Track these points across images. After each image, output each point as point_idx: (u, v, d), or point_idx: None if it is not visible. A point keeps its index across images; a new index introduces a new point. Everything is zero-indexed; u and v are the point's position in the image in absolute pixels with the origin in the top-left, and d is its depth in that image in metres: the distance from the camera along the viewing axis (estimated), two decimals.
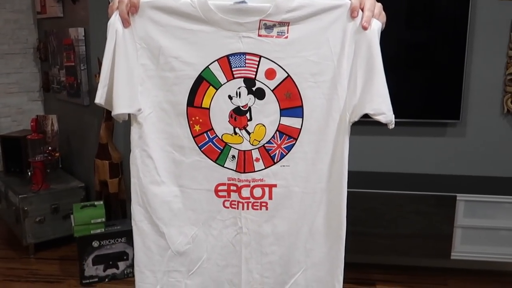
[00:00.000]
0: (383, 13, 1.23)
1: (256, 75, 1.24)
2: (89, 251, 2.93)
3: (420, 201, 2.77)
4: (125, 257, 3.00)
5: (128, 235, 2.93)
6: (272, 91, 1.25)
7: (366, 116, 1.23)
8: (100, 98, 1.25)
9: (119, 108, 1.23)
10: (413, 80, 3.01)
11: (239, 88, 1.25)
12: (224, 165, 1.29)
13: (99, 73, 2.70)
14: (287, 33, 1.22)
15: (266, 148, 1.28)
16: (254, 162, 1.28)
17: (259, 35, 1.22)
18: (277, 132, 1.27)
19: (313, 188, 1.29)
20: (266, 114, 1.26)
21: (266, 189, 1.29)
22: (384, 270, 3.11)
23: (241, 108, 1.26)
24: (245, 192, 1.29)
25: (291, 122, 1.26)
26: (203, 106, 1.26)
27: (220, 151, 1.28)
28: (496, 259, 2.81)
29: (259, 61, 1.23)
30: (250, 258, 1.33)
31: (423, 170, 3.10)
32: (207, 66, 1.24)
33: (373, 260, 3.16)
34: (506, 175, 3.01)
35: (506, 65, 2.90)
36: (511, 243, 2.76)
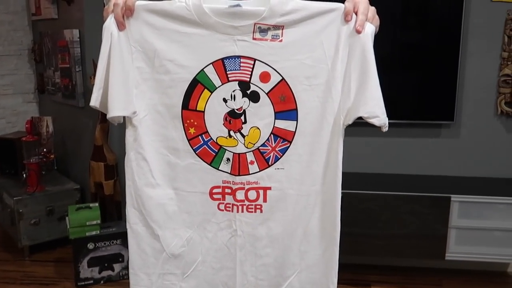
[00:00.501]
0: (377, 16, 1.23)
1: (250, 78, 1.24)
2: (84, 253, 2.92)
3: (414, 202, 2.78)
4: (120, 259, 3.00)
5: (123, 237, 2.92)
6: (267, 94, 1.25)
7: (360, 118, 1.24)
8: (95, 101, 1.25)
9: (114, 111, 1.24)
10: (407, 82, 3.02)
11: (233, 91, 1.26)
12: (219, 168, 1.30)
13: (94, 75, 2.70)
14: (282, 36, 1.22)
15: (261, 151, 1.28)
16: (249, 165, 1.29)
17: (253, 39, 1.22)
18: (272, 135, 1.27)
19: (307, 190, 1.30)
20: (261, 117, 1.26)
21: (261, 192, 1.30)
22: (379, 271, 3.12)
23: (236, 111, 1.26)
24: (240, 195, 1.30)
25: (286, 125, 1.27)
26: (198, 109, 1.27)
27: (214, 154, 1.29)
28: (490, 260, 2.83)
29: (253, 64, 1.24)
30: (245, 260, 1.33)
31: (417, 171, 3.11)
32: (202, 69, 1.25)
33: (368, 261, 3.17)
34: (500, 176, 3.03)
35: (500, 66, 2.91)
36: (505, 243, 2.77)
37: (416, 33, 2.96)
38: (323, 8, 1.21)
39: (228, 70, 1.24)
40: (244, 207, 1.30)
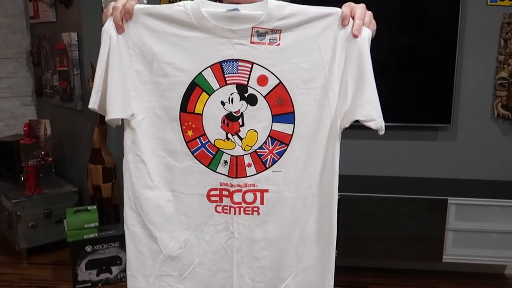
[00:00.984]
0: (373, 21, 1.24)
1: (248, 81, 1.25)
2: (82, 256, 2.93)
3: (411, 205, 2.80)
4: (118, 262, 3.00)
5: (121, 240, 2.93)
6: (264, 97, 1.26)
7: (357, 121, 1.24)
8: (93, 103, 1.26)
9: (113, 113, 1.24)
10: (404, 84, 3.03)
11: (231, 94, 1.26)
12: (216, 170, 1.30)
13: (92, 78, 2.71)
14: (279, 40, 1.23)
15: (258, 153, 1.29)
16: (246, 168, 1.29)
17: (251, 42, 1.23)
18: (269, 138, 1.28)
19: (304, 193, 1.30)
20: (258, 120, 1.27)
21: (258, 194, 1.30)
22: (376, 273, 3.13)
23: (234, 114, 1.27)
24: (237, 197, 1.30)
25: (283, 128, 1.27)
26: (196, 111, 1.28)
27: (212, 156, 1.30)
28: (487, 262, 2.84)
29: (251, 68, 1.24)
30: (242, 262, 1.34)
31: (414, 174, 3.12)
32: (200, 72, 1.25)
33: (365, 264, 3.18)
34: (497, 178, 3.04)
35: (497, 69, 2.93)
36: (502, 245, 2.78)
37: (413, 36, 2.98)
38: (320, 13, 1.22)
39: (226, 74, 1.25)
40: (241, 209, 1.31)
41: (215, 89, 1.26)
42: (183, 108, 1.28)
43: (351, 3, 1.23)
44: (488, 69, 2.95)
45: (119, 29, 1.24)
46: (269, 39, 1.23)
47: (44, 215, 3.33)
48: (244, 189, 1.30)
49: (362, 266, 3.16)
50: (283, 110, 1.26)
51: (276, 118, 1.27)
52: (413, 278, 3.08)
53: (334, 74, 1.23)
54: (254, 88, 1.25)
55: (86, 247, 2.92)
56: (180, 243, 1.33)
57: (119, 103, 1.25)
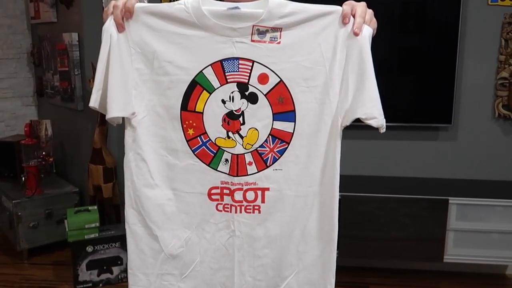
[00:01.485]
0: (374, 19, 1.24)
1: (249, 79, 1.25)
2: (83, 256, 2.93)
3: (412, 205, 2.79)
4: (119, 262, 3.00)
5: (122, 240, 2.93)
6: (265, 95, 1.26)
7: (358, 120, 1.24)
8: (94, 102, 1.26)
9: (113, 112, 1.24)
10: (405, 85, 3.03)
11: (232, 92, 1.26)
12: (217, 169, 1.30)
13: (93, 78, 2.71)
14: (280, 38, 1.23)
15: (259, 152, 1.29)
16: (247, 166, 1.29)
17: (252, 41, 1.23)
18: (270, 136, 1.28)
19: (305, 191, 1.30)
20: (259, 118, 1.27)
21: (259, 193, 1.30)
22: (377, 273, 3.12)
23: (234, 112, 1.27)
24: (238, 196, 1.30)
25: (284, 126, 1.27)
26: (196, 110, 1.28)
27: (213, 154, 1.30)
28: (488, 262, 2.83)
29: (252, 66, 1.24)
30: (243, 261, 1.34)
31: (415, 174, 3.12)
32: (201, 71, 1.25)
33: (366, 264, 3.17)
34: (498, 178, 3.04)
35: (497, 69, 2.93)
36: (503, 246, 2.78)
37: (414, 37, 2.98)
38: (321, 11, 1.22)
39: (227, 72, 1.25)
40: (242, 207, 1.31)
41: (216, 88, 1.26)
42: (184, 106, 1.28)
43: (352, 1, 1.23)
44: (489, 69, 2.95)
45: (120, 28, 1.24)
46: (270, 37, 1.23)
47: (45, 215, 3.33)
48: (245, 187, 1.30)
49: (362, 266, 3.16)
50: (284, 108, 1.26)
51: (277, 116, 1.27)
52: (414, 278, 3.08)
53: (335, 72, 1.23)
54: (254, 86, 1.26)
55: (87, 247, 2.92)
56: (181, 242, 1.33)
57: (119, 101, 1.25)
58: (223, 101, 1.27)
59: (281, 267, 1.34)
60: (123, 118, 1.28)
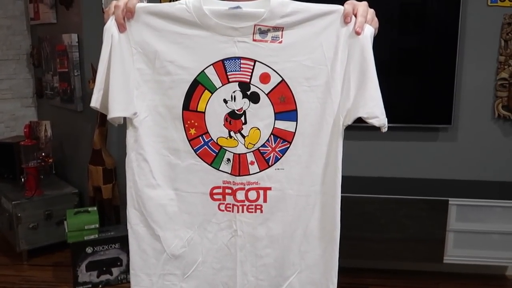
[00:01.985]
0: (376, 19, 1.25)
1: (251, 79, 1.25)
2: (83, 257, 2.92)
3: (412, 206, 2.79)
4: (119, 263, 3.00)
5: (122, 241, 2.93)
6: (267, 95, 1.26)
7: (358, 121, 1.24)
8: (95, 102, 1.26)
9: (115, 112, 1.24)
10: (405, 85, 3.03)
11: (234, 92, 1.26)
12: (219, 168, 1.30)
13: (92, 79, 2.71)
14: (281, 38, 1.23)
15: (261, 151, 1.29)
16: (249, 165, 1.29)
17: (253, 40, 1.23)
18: (272, 136, 1.28)
19: (307, 191, 1.30)
20: (261, 118, 1.27)
21: (261, 192, 1.30)
22: (377, 274, 3.12)
23: (236, 111, 1.27)
24: (240, 195, 1.30)
25: (286, 125, 1.27)
26: (198, 109, 1.28)
27: (215, 154, 1.29)
28: (488, 263, 2.84)
29: (253, 66, 1.24)
30: (245, 261, 1.33)
31: (415, 175, 3.12)
32: (203, 70, 1.25)
33: (366, 265, 3.17)
34: (498, 179, 3.04)
35: (497, 70, 2.93)
36: (503, 247, 2.78)
37: (414, 37, 2.98)
38: (322, 10, 1.22)
39: (229, 71, 1.25)
40: (245, 207, 1.31)
41: (217, 87, 1.26)
42: (186, 106, 1.28)
43: (353, 1, 1.23)
44: (488, 70, 2.95)
45: (121, 28, 1.24)
46: (272, 37, 1.23)
47: (44, 216, 3.33)
48: (247, 187, 1.30)
49: (362, 267, 3.16)
50: (285, 108, 1.26)
51: (278, 116, 1.27)
52: (414, 279, 3.08)
53: (337, 72, 1.23)
54: (256, 86, 1.26)
55: (87, 249, 2.92)
56: (183, 242, 1.33)
57: (121, 101, 1.25)
58: (225, 101, 1.27)
59: (283, 266, 1.34)
60: (124, 118, 1.28)
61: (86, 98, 3.39)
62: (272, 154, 1.29)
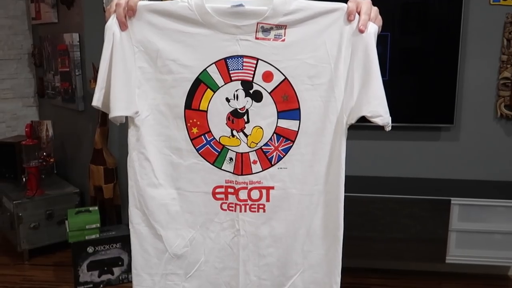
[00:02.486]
0: (379, 16, 1.24)
1: (253, 77, 1.25)
2: (84, 257, 2.91)
3: (414, 205, 2.78)
4: (120, 263, 2.99)
5: (123, 241, 2.92)
6: (270, 93, 1.25)
7: (360, 120, 1.24)
8: (97, 101, 1.25)
9: (117, 111, 1.24)
10: (407, 85, 3.02)
11: (236, 90, 1.26)
12: (222, 168, 1.29)
13: (93, 79, 2.70)
14: (284, 36, 1.22)
15: (264, 150, 1.28)
16: (252, 165, 1.29)
17: (256, 38, 1.23)
18: (275, 135, 1.27)
19: (310, 190, 1.29)
20: (264, 117, 1.27)
21: (264, 191, 1.30)
22: (379, 274, 3.11)
23: (239, 110, 1.27)
24: (243, 195, 1.30)
25: (288, 124, 1.27)
26: (200, 108, 1.27)
27: (217, 153, 1.29)
28: (491, 263, 2.82)
29: (256, 64, 1.24)
30: (248, 260, 1.33)
31: (417, 174, 3.11)
32: (205, 69, 1.25)
33: (368, 265, 3.16)
34: (500, 179, 3.03)
35: (499, 69, 2.92)
36: (506, 246, 2.77)
37: (416, 36, 2.97)
38: (326, 8, 1.21)
39: (231, 70, 1.24)
40: (247, 206, 1.30)
41: (220, 86, 1.25)
42: (188, 105, 1.27)
43: None
44: (491, 69, 2.94)
45: (123, 26, 1.23)
46: (274, 35, 1.23)
47: (45, 216, 3.32)
48: (249, 186, 1.29)
49: (364, 267, 3.15)
50: (288, 107, 1.26)
51: (281, 114, 1.26)
52: (416, 279, 3.07)
53: (340, 70, 1.23)
54: (259, 84, 1.25)
55: (88, 248, 2.91)
56: (186, 242, 1.33)
57: (123, 100, 1.24)
58: (228, 100, 1.26)
59: (286, 266, 1.33)
60: (126, 117, 1.27)
61: (87, 98, 3.38)
62: (275, 153, 1.28)
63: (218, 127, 1.27)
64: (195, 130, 1.28)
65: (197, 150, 1.29)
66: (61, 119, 3.84)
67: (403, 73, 3.01)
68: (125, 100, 1.25)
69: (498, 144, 3.02)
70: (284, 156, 1.28)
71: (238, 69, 1.24)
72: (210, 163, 1.29)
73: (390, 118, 1.22)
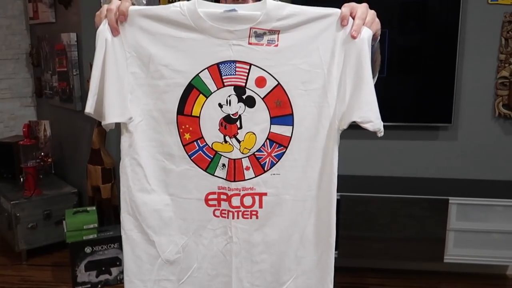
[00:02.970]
0: (377, 20, 1.21)
1: (246, 83, 1.23)
2: (82, 257, 2.92)
3: (413, 205, 2.78)
4: (118, 263, 2.99)
5: (121, 241, 2.88)
6: (262, 99, 1.24)
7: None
8: (90, 108, 1.25)
9: (111, 118, 1.23)
10: (405, 84, 3.02)
11: (229, 96, 1.25)
12: (214, 174, 1.28)
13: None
14: (277, 41, 1.21)
15: (257, 156, 1.27)
16: (245, 171, 1.28)
17: (249, 43, 1.21)
18: (268, 140, 1.26)
19: (303, 196, 1.28)
20: (257, 122, 1.25)
21: (257, 198, 1.29)
22: (377, 274, 3.11)
23: (231, 116, 1.26)
24: (235, 201, 1.29)
25: (282, 130, 1.26)
26: (193, 114, 1.26)
27: (210, 159, 1.28)
28: (489, 262, 2.83)
29: (249, 69, 1.23)
30: (241, 267, 1.32)
31: (415, 174, 3.11)
32: (197, 74, 1.24)
33: (366, 264, 3.16)
34: (498, 178, 3.03)
35: (497, 68, 2.91)
36: (504, 246, 2.77)
37: (414, 36, 2.96)
38: (319, 13, 1.20)
39: (224, 75, 1.23)
40: (240, 213, 1.29)
41: (212, 91, 1.24)
42: (180, 110, 1.26)
43: (352, 3, 1.21)
44: (489, 68, 2.93)
45: (114, 32, 1.22)
46: (267, 40, 1.21)
47: (43, 216, 3.32)
48: (242, 192, 1.28)
49: (363, 267, 3.15)
50: (281, 112, 1.25)
51: (274, 120, 1.25)
52: (415, 279, 3.07)
53: (333, 75, 1.21)
54: (252, 89, 1.24)
55: (86, 248, 2.91)
56: (178, 248, 1.32)
57: (117, 107, 1.23)
58: (220, 105, 1.25)
59: (280, 272, 1.32)
60: (117, 123, 1.26)
61: (85, 98, 3.34)
62: (267, 159, 1.27)
63: (211, 133, 1.26)
64: (187, 136, 1.27)
65: (190, 156, 1.28)
66: (59, 119, 3.83)
67: (402, 73, 3.01)
68: (119, 107, 1.24)
69: (496, 143, 3.02)
70: (277, 162, 1.27)
71: (230, 74, 1.23)
72: (203, 169, 1.28)
73: (381, 124, 1.20)
